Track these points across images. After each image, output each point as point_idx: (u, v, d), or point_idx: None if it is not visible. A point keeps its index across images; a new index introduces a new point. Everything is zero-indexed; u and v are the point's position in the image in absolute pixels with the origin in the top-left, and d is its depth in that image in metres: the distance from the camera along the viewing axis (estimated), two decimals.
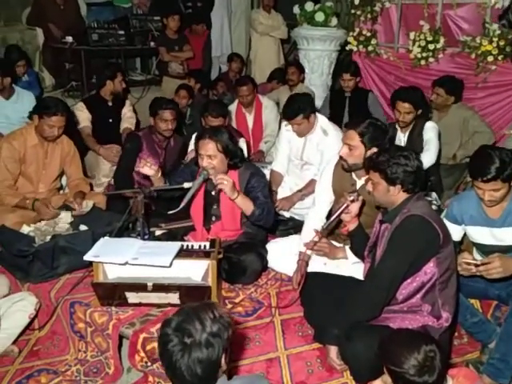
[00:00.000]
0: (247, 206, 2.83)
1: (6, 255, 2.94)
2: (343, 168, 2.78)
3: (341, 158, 2.75)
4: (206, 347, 1.50)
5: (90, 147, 4.26)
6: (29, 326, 2.78)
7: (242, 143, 3.97)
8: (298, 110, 3.51)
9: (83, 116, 4.30)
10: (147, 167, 2.99)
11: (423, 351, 1.72)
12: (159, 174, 3.06)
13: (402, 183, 2.25)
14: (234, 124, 4.77)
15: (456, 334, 2.72)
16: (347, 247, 2.75)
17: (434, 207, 3.48)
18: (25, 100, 4.38)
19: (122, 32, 5.84)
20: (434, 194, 3.66)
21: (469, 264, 2.39)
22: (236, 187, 2.81)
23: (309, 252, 2.78)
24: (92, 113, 4.33)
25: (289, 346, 2.51)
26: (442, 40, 4.95)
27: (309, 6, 5.59)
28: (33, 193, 3.45)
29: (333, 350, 2.31)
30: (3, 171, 3.33)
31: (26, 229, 3.16)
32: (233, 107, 4.81)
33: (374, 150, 2.58)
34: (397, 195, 2.28)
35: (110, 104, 4.44)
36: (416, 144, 3.73)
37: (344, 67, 5.07)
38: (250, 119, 4.79)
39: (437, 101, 4.29)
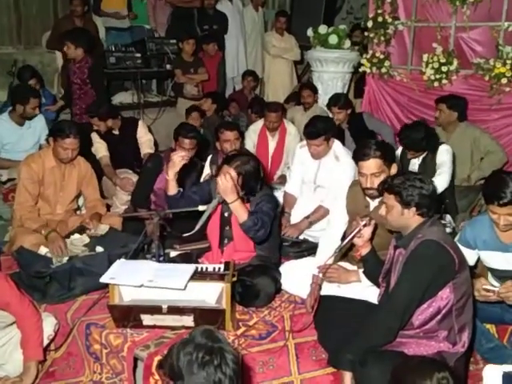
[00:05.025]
0: (241, 214, 2.77)
1: (24, 276, 2.98)
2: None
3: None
4: None
5: (107, 177, 4.28)
6: (46, 348, 2.78)
7: None
8: (321, 130, 3.53)
9: (99, 146, 4.33)
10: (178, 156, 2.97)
11: (436, 379, 1.70)
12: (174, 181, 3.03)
13: (417, 206, 2.25)
14: (254, 145, 4.73)
15: (472, 359, 2.68)
16: (361, 271, 2.73)
17: (448, 230, 3.47)
18: (37, 123, 4.43)
19: (138, 55, 6.00)
20: (448, 217, 3.66)
21: (488, 291, 2.39)
22: (235, 191, 2.75)
23: (322, 275, 2.78)
24: (105, 141, 4.36)
25: (303, 370, 2.50)
26: (455, 62, 4.95)
27: (322, 29, 5.66)
28: (50, 214, 3.52)
29: (347, 376, 2.30)
30: (23, 193, 3.41)
31: (43, 250, 3.21)
32: (256, 128, 4.77)
33: (395, 166, 2.70)
34: (411, 218, 2.28)
35: (115, 133, 4.40)
36: (429, 167, 3.74)
37: (332, 100, 5.00)
38: (272, 143, 4.73)
39: (440, 118, 4.34)
